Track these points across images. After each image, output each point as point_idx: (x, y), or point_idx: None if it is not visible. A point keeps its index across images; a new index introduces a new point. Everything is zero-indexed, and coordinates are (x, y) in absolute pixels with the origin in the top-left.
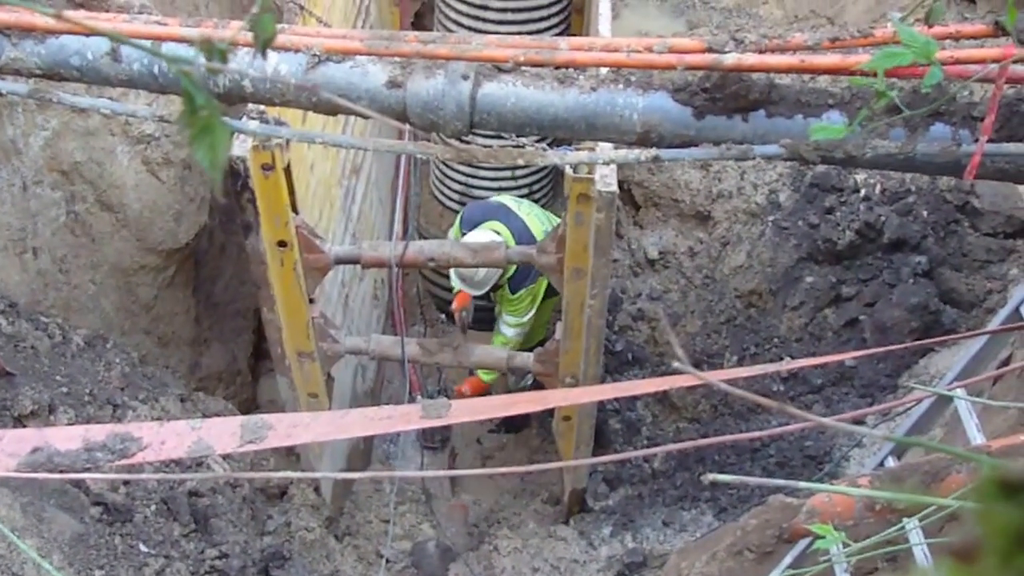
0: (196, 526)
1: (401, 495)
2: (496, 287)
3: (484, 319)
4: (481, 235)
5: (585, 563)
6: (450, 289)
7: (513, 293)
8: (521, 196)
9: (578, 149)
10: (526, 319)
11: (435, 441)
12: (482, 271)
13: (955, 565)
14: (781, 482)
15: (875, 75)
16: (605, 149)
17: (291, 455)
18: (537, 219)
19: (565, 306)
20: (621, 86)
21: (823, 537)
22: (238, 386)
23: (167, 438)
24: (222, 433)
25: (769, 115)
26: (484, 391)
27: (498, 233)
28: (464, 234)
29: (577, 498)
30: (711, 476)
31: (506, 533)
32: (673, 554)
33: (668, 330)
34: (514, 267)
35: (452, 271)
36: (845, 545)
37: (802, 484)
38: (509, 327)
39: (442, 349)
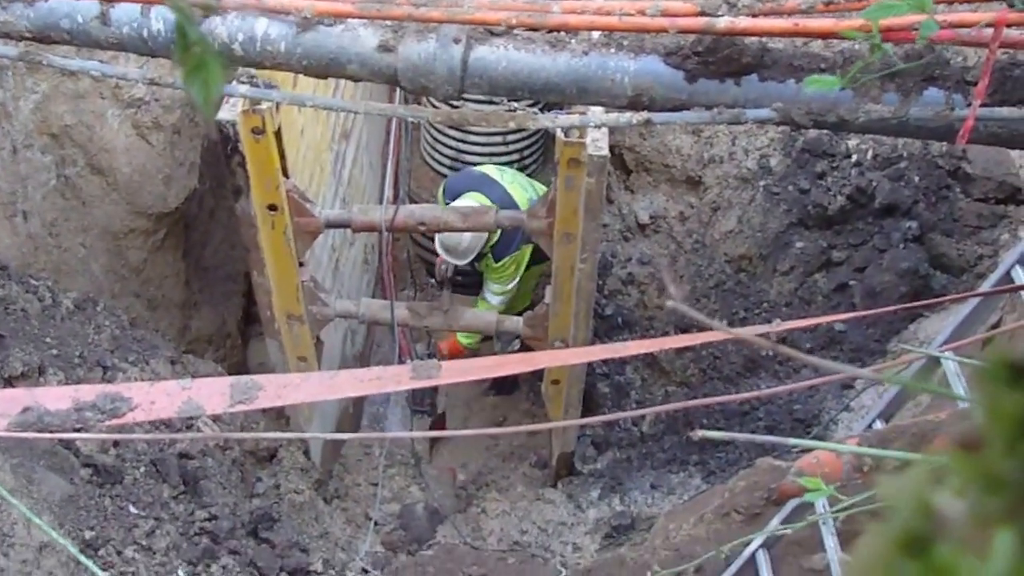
0: (186, 488)
1: (390, 458)
2: (480, 256)
3: (470, 284)
4: (463, 206)
5: (573, 526)
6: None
7: (497, 261)
8: (511, 162)
9: (569, 114)
10: (510, 286)
11: (424, 406)
12: (465, 241)
13: (959, 454)
14: (771, 438)
15: (870, 30)
16: (596, 113)
17: (281, 418)
18: (520, 187)
19: (555, 270)
20: (613, 50)
21: (813, 490)
22: (228, 349)
23: (157, 398)
24: (212, 393)
25: (762, 79)
26: (459, 355)
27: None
28: (448, 204)
29: (565, 461)
30: (700, 432)
31: (494, 496)
32: (661, 516)
33: (665, 271)
34: (497, 236)
35: (436, 242)
36: (832, 505)
37: (791, 440)
38: (494, 294)
39: (431, 313)
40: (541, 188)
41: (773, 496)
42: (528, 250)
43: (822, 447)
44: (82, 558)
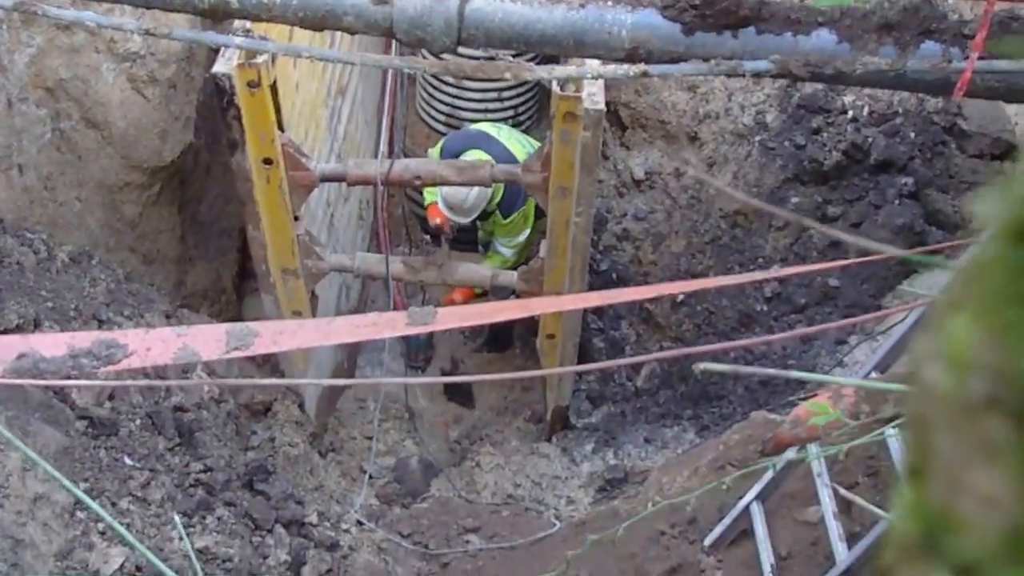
0: (181, 440)
1: (385, 413)
2: (487, 214)
3: (467, 239)
4: (459, 160)
5: (567, 479)
6: None
7: (506, 217)
8: (506, 119)
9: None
10: (522, 238)
11: (419, 360)
12: (471, 198)
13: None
14: (773, 371)
15: None
16: (592, 65)
17: (276, 373)
18: (519, 143)
19: (550, 224)
20: (610, 2)
21: (821, 414)
22: (223, 304)
23: (152, 345)
24: (208, 340)
25: (759, 32)
26: (472, 299)
27: None
28: None
29: (560, 415)
30: (703, 365)
31: (488, 450)
32: (654, 469)
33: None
34: (502, 192)
35: (440, 200)
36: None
37: (794, 374)
38: (506, 247)
39: (427, 267)
40: (537, 144)
41: (768, 446)
42: (533, 202)
43: (826, 380)
44: (86, 499)
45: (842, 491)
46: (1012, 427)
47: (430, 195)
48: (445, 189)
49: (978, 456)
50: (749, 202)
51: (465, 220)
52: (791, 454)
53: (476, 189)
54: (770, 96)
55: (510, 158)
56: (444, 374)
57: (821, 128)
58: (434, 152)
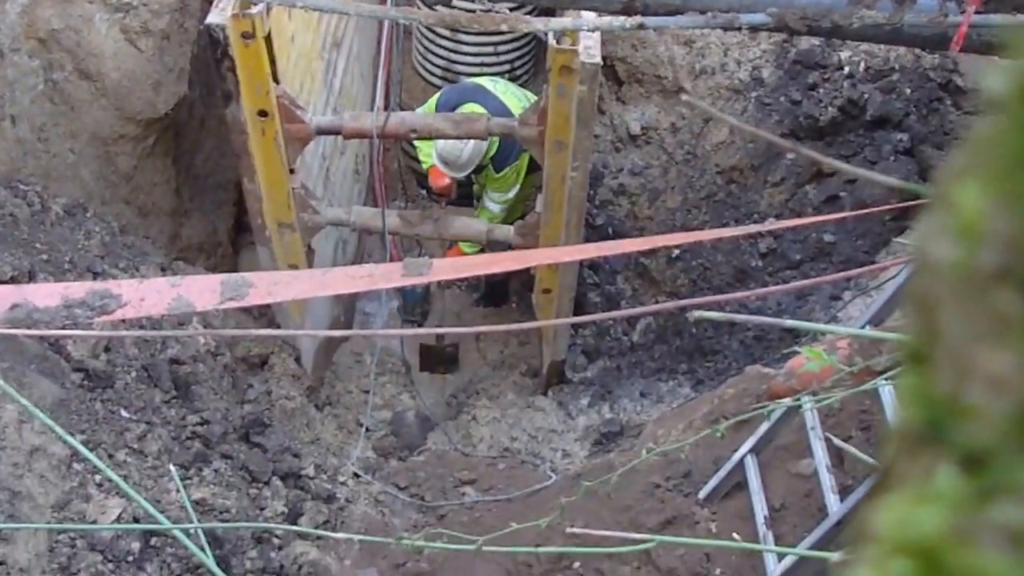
0: (177, 393)
1: (381, 367)
2: (480, 168)
3: (462, 194)
4: (455, 114)
5: (563, 432)
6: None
7: (498, 172)
8: (502, 72)
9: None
10: (511, 194)
11: (415, 315)
12: (466, 153)
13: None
14: (768, 320)
15: None
16: (589, 18)
17: (271, 326)
18: (515, 97)
19: (546, 179)
20: None
21: (814, 359)
22: (219, 258)
23: (147, 295)
24: (203, 290)
25: None
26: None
27: None
28: None
29: (556, 370)
30: (697, 313)
31: (485, 404)
32: (650, 423)
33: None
34: (496, 146)
35: (435, 155)
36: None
37: (788, 322)
38: (495, 203)
39: (423, 221)
40: (533, 97)
41: (763, 398)
42: (526, 158)
43: (820, 329)
44: (84, 450)
45: (836, 440)
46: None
47: (426, 158)
48: (440, 144)
49: (987, 334)
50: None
51: (460, 175)
52: (786, 404)
53: (472, 143)
54: (766, 52)
55: (505, 112)
56: (428, 348)
57: (817, 84)
58: (429, 107)
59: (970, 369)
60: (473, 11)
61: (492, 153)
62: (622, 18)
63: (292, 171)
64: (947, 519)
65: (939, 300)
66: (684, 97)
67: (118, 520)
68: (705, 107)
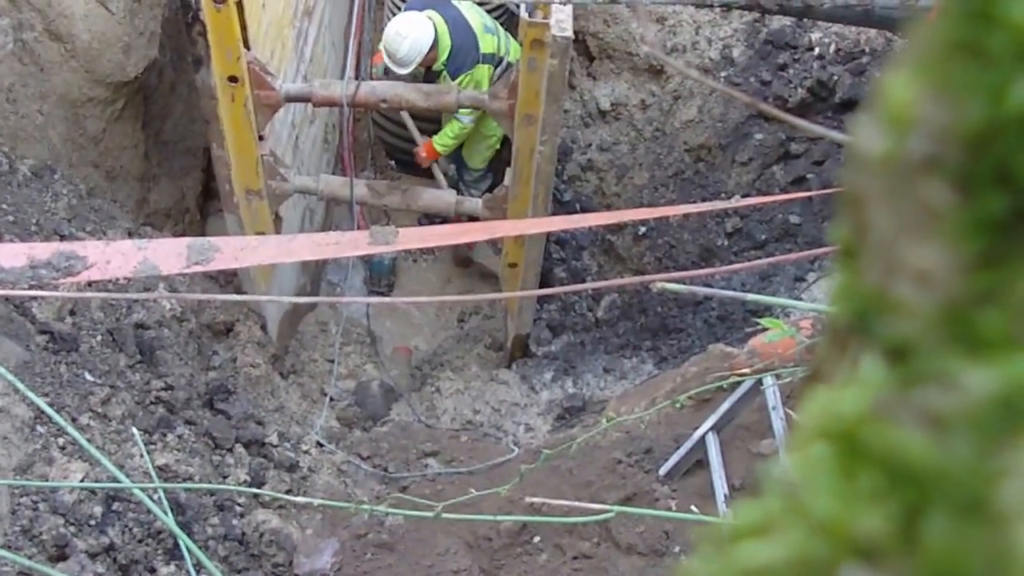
0: (142, 358)
1: (346, 336)
2: (435, 75)
3: (432, 130)
4: (412, 17)
5: (526, 406)
6: (401, 136)
7: (453, 79)
8: None
9: None
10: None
11: (381, 286)
12: (404, 47)
13: None
14: (730, 293)
15: None
16: None
17: (239, 293)
18: (477, 13)
19: (515, 152)
20: None
21: (772, 328)
22: (186, 224)
23: (112, 257)
24: (168, 253)
25: None
26: (435, 158)
27: (431, 20)
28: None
29: (520, 344)
30: (661, 284)
31: (449, 376)
32: (612, 399)
33: (639, 12)
34: (448, 53)
35: (382, 47)
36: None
37: (750, 296)
38: (463, 114)
39: (391, 191)
40: (496, 24)
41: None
42: (486, 70)
43: (783, 304)
44: (51, 411)
45: (796, 417)
46: (952, 191)
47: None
48: (386, 33)
49: (915, 228)
50: (726, 91)
51: (404, 71)
52: (748, 382)
53: (410, 39)
54: (737, 31)
55: (463, 22)
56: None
57: (787, 65)
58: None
59: (897, 263)
60: None
61: (444, 59)
62: None
63: (261, 138)
64: (868, 402)
65: (868, 194)
66: (645, 49)
67: (81, 482)
68: (681, 68)
